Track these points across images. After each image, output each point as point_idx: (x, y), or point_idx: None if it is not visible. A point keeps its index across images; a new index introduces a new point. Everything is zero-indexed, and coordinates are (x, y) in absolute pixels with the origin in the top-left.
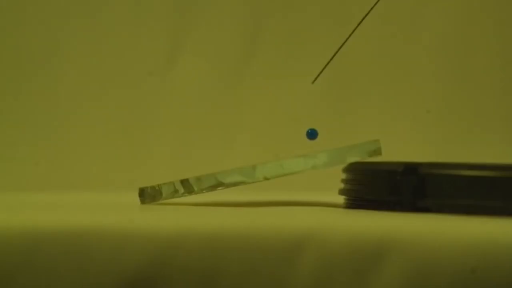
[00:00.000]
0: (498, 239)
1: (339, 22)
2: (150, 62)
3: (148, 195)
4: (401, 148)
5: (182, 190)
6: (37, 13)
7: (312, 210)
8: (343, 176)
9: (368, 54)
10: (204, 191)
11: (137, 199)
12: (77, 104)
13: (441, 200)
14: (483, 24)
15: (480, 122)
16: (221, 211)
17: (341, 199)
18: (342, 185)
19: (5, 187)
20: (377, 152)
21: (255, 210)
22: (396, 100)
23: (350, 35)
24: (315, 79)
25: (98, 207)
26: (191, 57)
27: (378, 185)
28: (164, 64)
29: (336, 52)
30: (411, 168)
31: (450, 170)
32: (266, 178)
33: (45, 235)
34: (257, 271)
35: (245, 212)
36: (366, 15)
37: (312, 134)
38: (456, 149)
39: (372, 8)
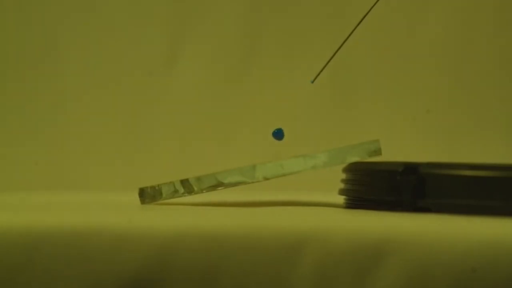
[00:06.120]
0: (498, 239)
1: (339, 22)
2: (150, 62)
3: (148, 195)
4: (401, 148)
5: (182, 190)
6: (37, 14)
7: (312, 210)
8: (343, 176)
9: (368, 54)
10: (204, 191)
11: (137, 199)
12: (77, 104)
13: (441, 200)
14: (483, 24)
15: (480, 122)
16: (221, 211)
17: (341, 199)
18: (342, 185)
19: (5, 187)
20: (377, 152)
21: (255, 210)
22: (396, 100)
23: (350, 35)
24: (315, 78)
25: (98, 207)
26: (191, 57)
27: (378, 185)
28: (164, 64)
29: (336, 52)
30: (411, 168)
31: (450, 170)
32: (266, 178)
33: (45, 235)
34: (257, 271)
35: (245, 212)
36: (366, 14)
37: (278, 134)
38: (456, 149)
39: (372, 8)
